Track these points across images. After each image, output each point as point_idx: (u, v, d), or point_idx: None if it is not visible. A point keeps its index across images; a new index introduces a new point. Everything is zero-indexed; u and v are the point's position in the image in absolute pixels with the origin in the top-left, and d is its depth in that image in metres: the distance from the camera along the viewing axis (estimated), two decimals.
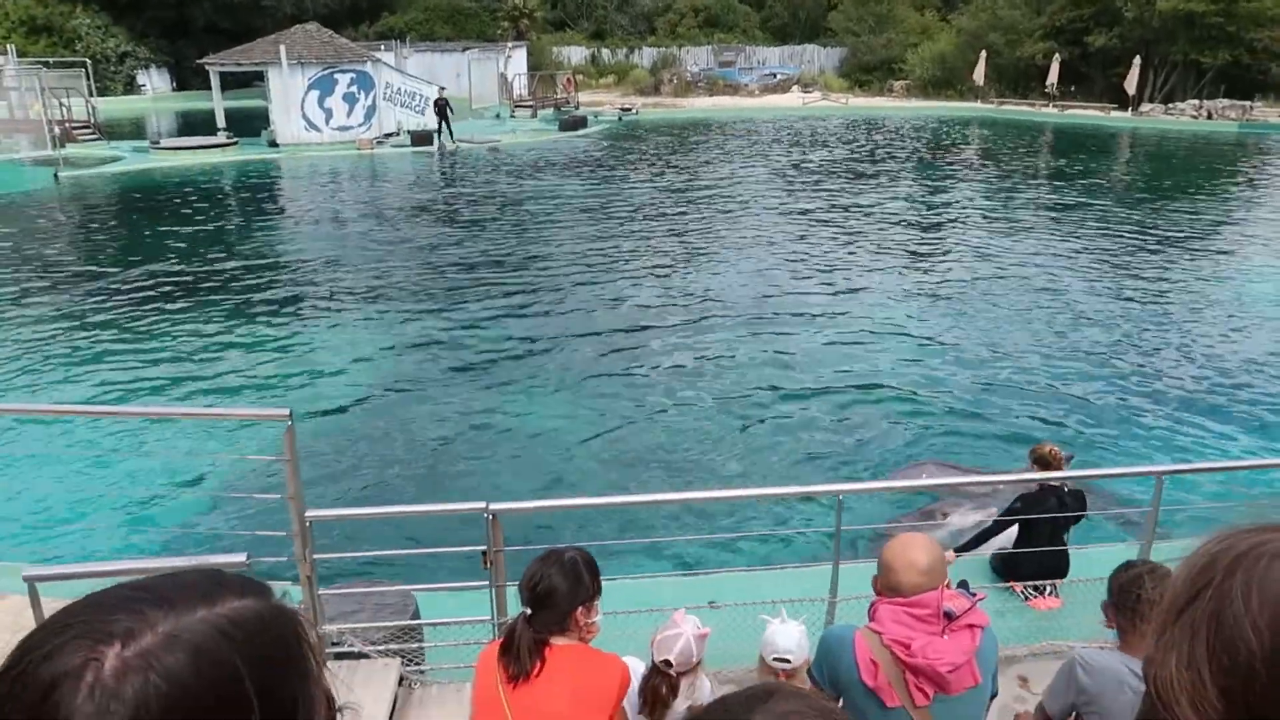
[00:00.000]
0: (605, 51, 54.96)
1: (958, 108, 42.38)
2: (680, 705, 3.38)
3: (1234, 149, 31.64)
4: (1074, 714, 3.18)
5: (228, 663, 0.75)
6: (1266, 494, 7.45)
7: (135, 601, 0.76)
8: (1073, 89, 41.03)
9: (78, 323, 12.46)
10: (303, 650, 0.83)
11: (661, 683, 3.32)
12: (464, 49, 41.69)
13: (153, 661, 0.72)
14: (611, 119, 38.74)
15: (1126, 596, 3.12)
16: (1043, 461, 5.94)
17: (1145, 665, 0.91)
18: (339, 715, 0.91)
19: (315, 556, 4.41)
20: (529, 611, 2.87)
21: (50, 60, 33.54)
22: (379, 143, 30.09)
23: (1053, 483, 5.84)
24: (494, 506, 4.33)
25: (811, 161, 28.01)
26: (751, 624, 3.96)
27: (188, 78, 46.14)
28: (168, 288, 14.17)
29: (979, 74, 42.06)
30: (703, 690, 3.38)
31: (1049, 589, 5.85)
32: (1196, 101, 38.34)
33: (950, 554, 6.22)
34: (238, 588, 0.82)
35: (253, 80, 37.31)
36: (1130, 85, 37.72)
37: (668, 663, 3.29)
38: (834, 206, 21.03)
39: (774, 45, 55.00)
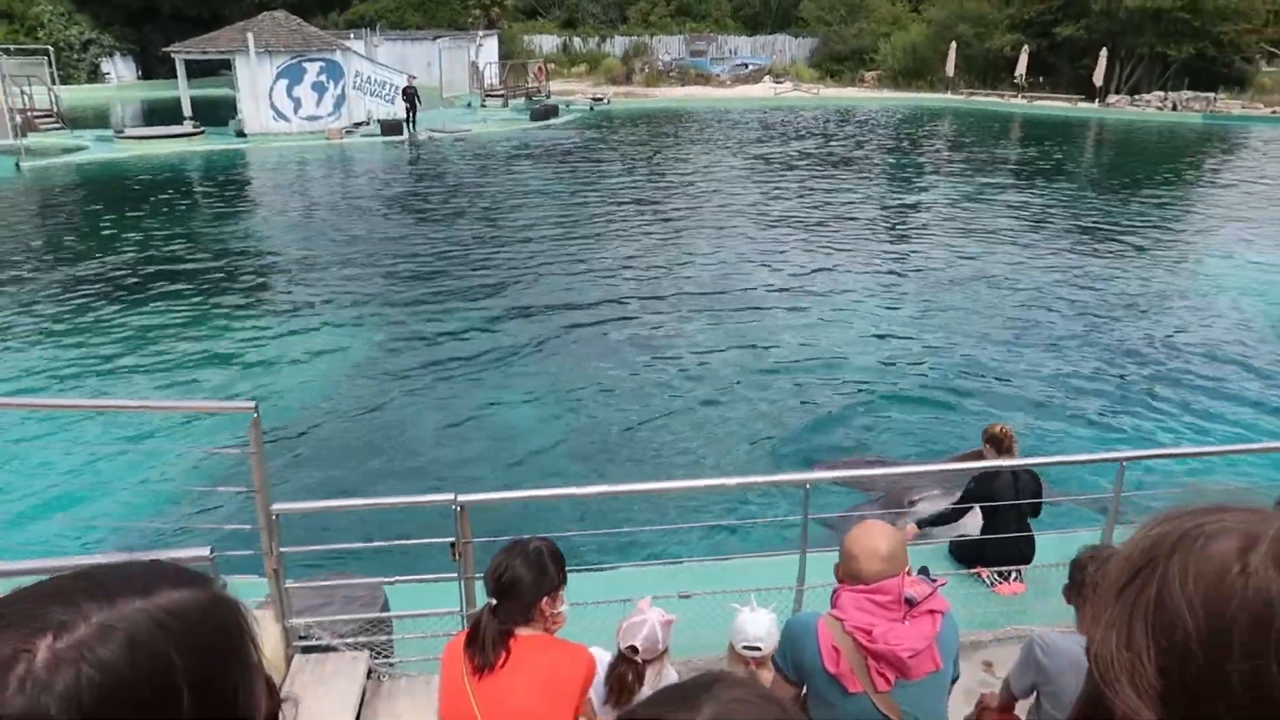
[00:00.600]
0: (577, 40, 54.70)
1: (928, 98, 42.63)
2: (647, 694, 3.39)
3: (1198, 140, 32.08)
4: (1035, 692, 3.25)
5: (163, 654, 0.74)
6: (1226, 479, 7.58)
7: (70, 592, 0.75)
8: (1041, 80, 41.38)
9: (39, 314, 12.26)
10: (243, 640, 0.83)
11: (627, 670, 3.33)
12: (435, 37, 41.29)
13: (85, 653, 0.71)
14: (583, 108, 38.59)
15: (1075, 579, 3.23)
16: (994, 440, 6.00)
17: (1087, 645, 0.93)
18: (282, 705, 0.91)
19: (282, 550, 4.38)
20: (494, 602, 2.87)
21: (11, 48, 32.82)
22: (348, 132, 29.80)
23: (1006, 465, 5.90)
24: (462, 498, 4.32)
25: (783, 152, 28.07)
26: (721, 613, 3.98)
27: (153, 66, 45.36)
28: (131, 279, 13.98)
29: (949, 65, 42.32)
30: (669, 679, 3.40)
31: (1013, 574, 5.92)
32: (1162, 93, 38.82)
33: (910, 527, 6.31)
34: (175, 578, 0.81)
35: (219, 68, 36.81)
36: (1097, 77, 38.12)
37: (633, 649, 3.31)
38: (804, 197, 21.10)
39: (745, 35, 54.99)
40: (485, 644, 2.82)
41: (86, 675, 0.70)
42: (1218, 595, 0.82)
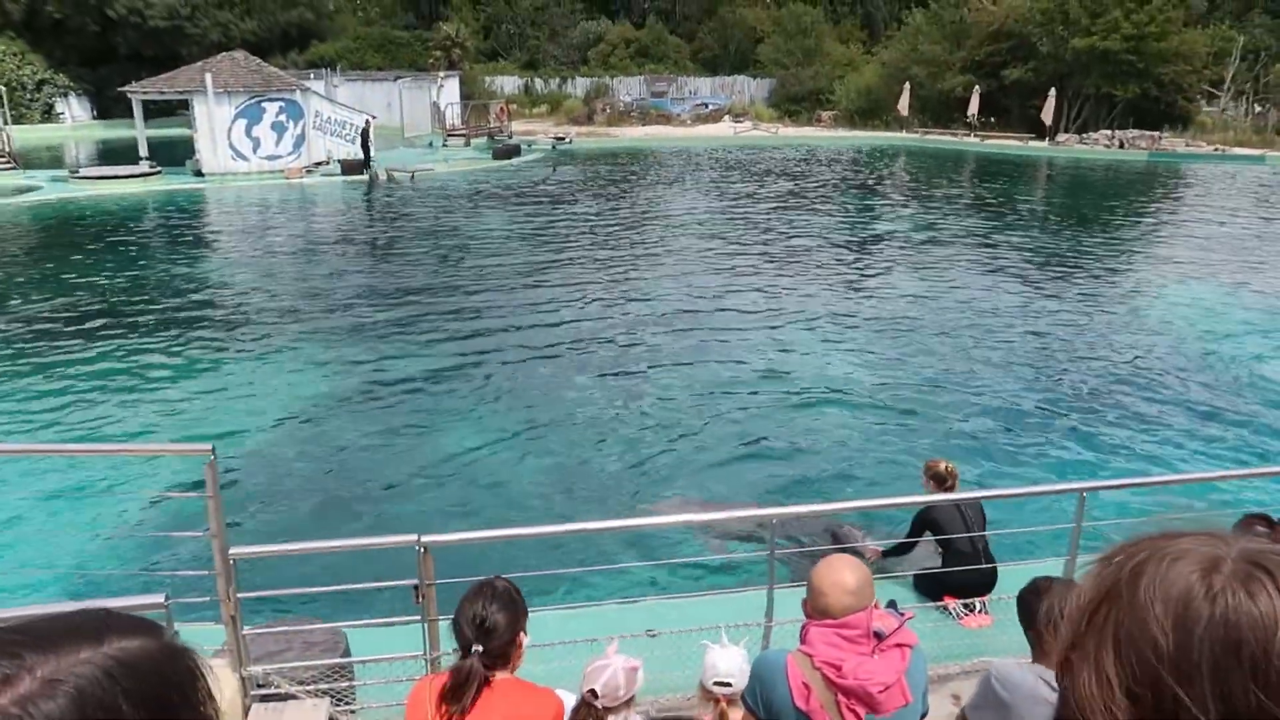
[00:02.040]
0: (539, 81, 55.18)
1: (883, 137, 43.49)
2: None
3: (1144, 176, 33.01)
4: None
5: (112, 706, 0.71)
6: (1185, 508, 7.71)
7: (14, 645, 0.73)
8: (992, 119, 42.42)
9: None
10: (195, 690, 0.80)
11: (588, 715, 3.28)
12: (396, 78, 41.43)
13: (30, 709, 0.68)
14: (545, 148, 38.84)
15: (1025, 611, 3.26)
16: (938, 477, 6.07)
17: (1058, 675, 0.93)
18: None
19: (239, 595, 4.28)
20: (480, 649, 2.83)
21: None
22: (308, 172, 29.69)
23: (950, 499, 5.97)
24: (425, 539, 4.26)
25: (744, 189, 28.41)
26: (689, 651, 3.95)
27: (109, 106, 44.91)
28: (86, 321, 13.72)
29: (904, 104, 43.27)
30: None
31: (979, 606, 5.95)
32: (1109, 131, 39.96)
33: (873, 547, 6.34)
34: (125, 627, 0.79)
35: (177, 108, 36.54)
36: (1047, 116, 39.18)
37: (594, 693, 3.26)
38: (765, 233, 21.34)
39: (705, 76, 55.82)
40: (467, 694, 2.78)
41: None
42: (1185, 619, 0.83)
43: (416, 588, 4.27)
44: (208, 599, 4.40)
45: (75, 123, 46.07)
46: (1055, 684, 0.94)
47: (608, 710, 3.28)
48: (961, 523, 5.93)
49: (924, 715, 3.08)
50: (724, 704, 3.59)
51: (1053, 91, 39.16)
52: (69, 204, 24.43)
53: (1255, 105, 44.31)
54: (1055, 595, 3.21)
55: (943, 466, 6.10)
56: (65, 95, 46.60)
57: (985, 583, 5.95)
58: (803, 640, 2.97)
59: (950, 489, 6.01)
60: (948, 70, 43.30)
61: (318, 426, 10.07)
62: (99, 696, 0.71)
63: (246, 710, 4.44)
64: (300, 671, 4.59)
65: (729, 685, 3.56)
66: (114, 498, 8.05)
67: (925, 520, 6.06)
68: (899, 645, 2.91)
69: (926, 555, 6.36)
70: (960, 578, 5.87)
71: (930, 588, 6.06)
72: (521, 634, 2.96)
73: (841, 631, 2.86)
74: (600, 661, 3.32)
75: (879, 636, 2.87)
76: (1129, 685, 0.83)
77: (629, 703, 3.33)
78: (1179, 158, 36.80)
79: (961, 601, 5.96)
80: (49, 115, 45.65)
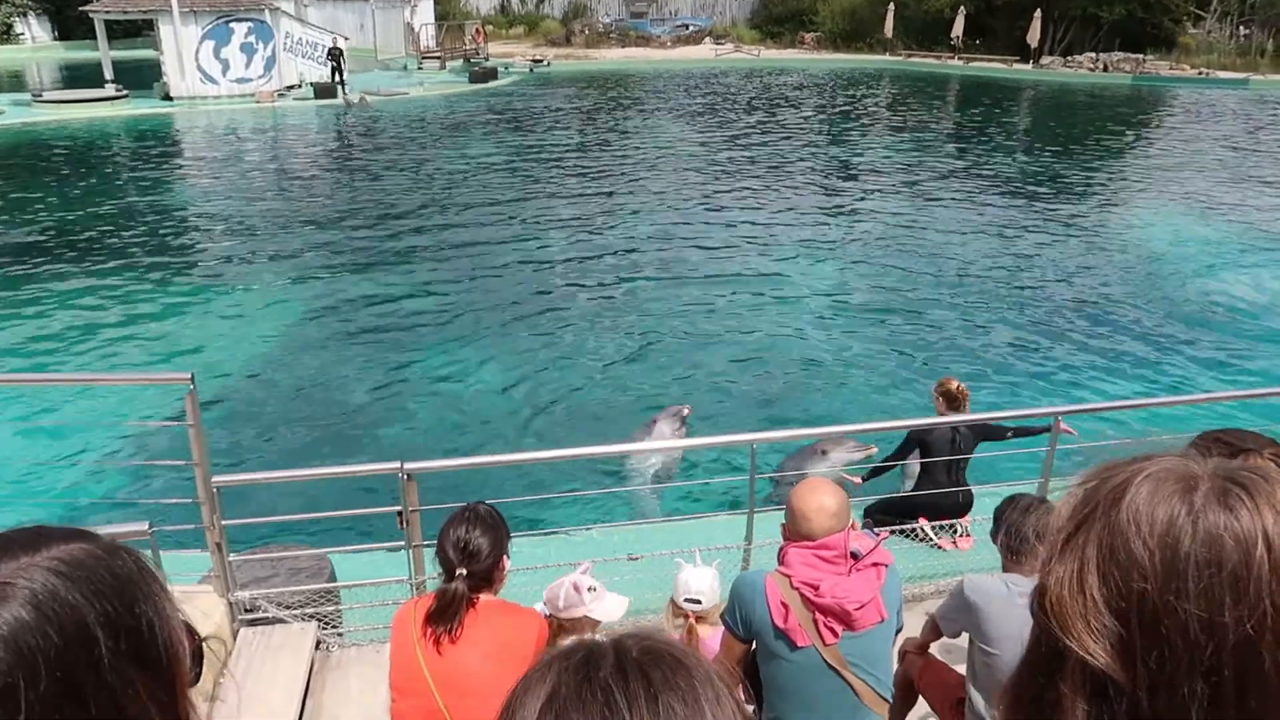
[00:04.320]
0: (515, 1, 53.69)
1: (867, 60, 42.78)
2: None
3: (1127, 100, 32.76)
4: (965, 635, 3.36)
5: (68, 601, 0.73)
6: (1156, 431, 7.85)
7: None
8: (977, 42, 41.75)
9: None
10: (147, 579, 0.82)
11: (547, 624, 3.44)
12: None
13: None
14: (523, 70, 38.00)
15: (996, 522, 3.39)
16: (948, 395, 6.10)
17: (1034, 594, 0.96)
18: (205, 645, 0.91)
19: (224, 523, 4.31)
20: (463, 572, 2.87)
21: None
22: (280, 95, 28.95)
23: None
24: (409, 466, 4.29)
25: (726, 114, 28.01)
26: (670, 573, 4.02)
27: (71, 26, 43.28)
28: (56, 250, 13.49)
29: (888, 26, 42.48)
30: None
31: (960, 530, 6.06)
32: (1094, 54, 39.47)
33: (856, 479, 6.44)
34: (62, 536, 0.80)
35: (142, 29, 35.40)
36: (1032, 38, 38.60)
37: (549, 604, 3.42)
38: (747, 160, 21.12)
39: None
40: (454, 615, 2.83)
41: None
42: (1169, 537, 0.86)
43: (400, 514, 4.32)
44: (192, 527, 4.43)
45: (35, 43, 44.54)
46: (1023, 591, 0.97)
47: (564, 624, 3.38)
48: (950, 446, 5.98)
49: (899, 631, 3.17)
50: (693, 619, 3.69)
51: (1038, 12, 38.52)
52: (32, 129, 23.80)
53: (1240, 27, 43.81)
54: (1028, 510, 3.30)
55: (954, 386, 6.11)
56: (24, 15, 44.90)
57: (960, 505, 6.06)
58: (781, 561, 3.04)
59: (960, 407, 6.04)
60: None
61: (298, 355, 10.03)
62: (53, 592, 0.73)
63: (235, 634, 4.51)
64: (287, 596, 4.66)
65: (699, 603, 3.65)
66: (94, 429, 8.02)
67: (917, 439, 6.10)
68: (874, 565, 2.99)
69: (898, 475, 6.46)
70: (934, 499, 5.97)
71: (904, 509, 6.13)
72: (504, 557, 3.01)
73: (819, 552, 2.92)
74: (560, 579, 3.44)
75: (855, 557, 2.94)
76: (1113, 601, 0.86)
77: (583, 627, 3.39)
78: (1163, 81, 36.47)
79: (938, 523, 6.07)
80: (8, 35, 44.07)
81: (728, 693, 0.81)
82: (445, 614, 2.84)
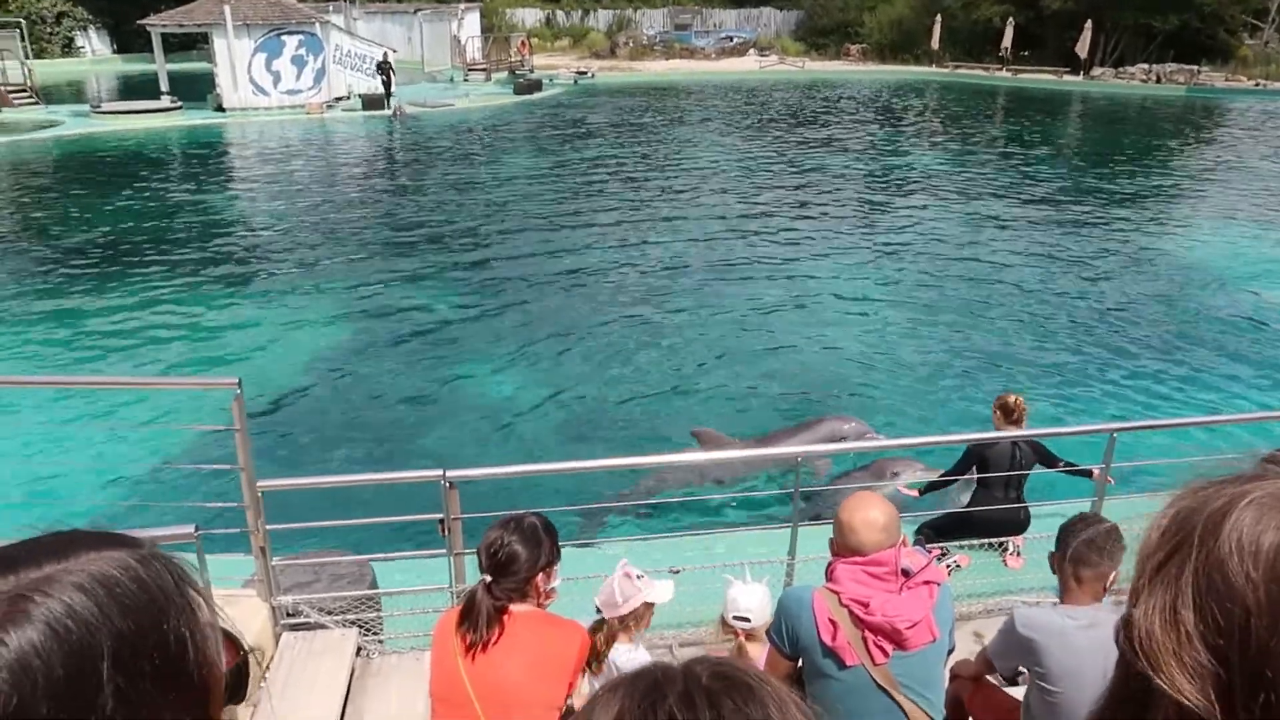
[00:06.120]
0: (560, 14, 54.10)
1: (913, 72, 42.44)
2: (623, 657, 3.36)
3: (1182, 112, 32.11)
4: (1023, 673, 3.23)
5: (82, 618, 0.70)
6: (1216, 451, 7.62)
7: None
8: (1026, 53, 41.24)
9: (17, 292, 12.07)
10: (183, 590, 0.78)
11: (599, 627, 3.40)
12: (415, 10, 40.75)
13: None
14: (567, 82, 38.24)
15: (1064, 548, 3.19)
16: (1005, 409, 5.93)
17: (1123, 627, 0.89)
18: (250, 655, 0.87)
19: (268, 527, 4.33)
20: (489, 579, 2.82)
21: None
22: (329, 106, 29.43)
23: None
24: (450, 473, 4.28)
25: (772, 126, 27.92)
26: (713, 587, 3.96)
27: (129, 40, 44.47)
28: (111, 256, 13.79)
29: (935, 38, 42.11)
30: (639, 659, 3.35)
31: (1013, 548, 5.91)
32: (1146, 65, 38.78)
33: (914, 492, 6.28)
34: (95, 543, 0.76)
35: (197, 42, 36.22)
36: (1082, 49, 38.01)
37: (597, 608, 3.37)
38: (793, 172, 21.01)
39: (730, 8, 54.51)
40: (479, 621, 2.78)
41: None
42: (1276, 571, 0.78)
43: (442, 521, 4.30)
44: (237, 531, 4.45)
45: (95, 56, 45.79)
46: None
47: (617, 622, 3.34)
48: (1011, 462, 5.84)
49: (951, 651, 3.07)
50: (743, 638, 3.63)
51: (1089, 23, 37.94)
52: (92, 139, 24.40)
53: None
54: (1095, 531, 3.15)
55: (1011, 400, 5.97)
56: (85, 29, 46.24)
57: (1019, 522, 5.89)
58: (829, 577, 2.96)
59: (1017, 422, 5.90)
60: (983, 0, 41.96)
61: (344, 362, 10.12)
62: (70, 608, 0.69)
63: (277, 638, 4.52)
64: (329, 602, 4.66)
65: (748, 621, 3.59)
66: (142, 432, 8.14)
67: (976, 454, 5.97)
68: (926, 582, 2.89)
69: (960, 491, 6.29)
70: (989, 516, 5.81)
71: (959, 526, 5.98)
72: (547, 572, 2.91)
73: (869, 569, 2.84)
74: (606, 581, 3.41)
75: (907, 574, 2.85)
76: (1210, 638, 0.79)
77: (641, 618, 3.37)
78: (1217, 93, 35.72)
79: (993, 540, 5.91)
80: (69, 49, 45.35)
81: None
82: (470, 618, 2.79)
